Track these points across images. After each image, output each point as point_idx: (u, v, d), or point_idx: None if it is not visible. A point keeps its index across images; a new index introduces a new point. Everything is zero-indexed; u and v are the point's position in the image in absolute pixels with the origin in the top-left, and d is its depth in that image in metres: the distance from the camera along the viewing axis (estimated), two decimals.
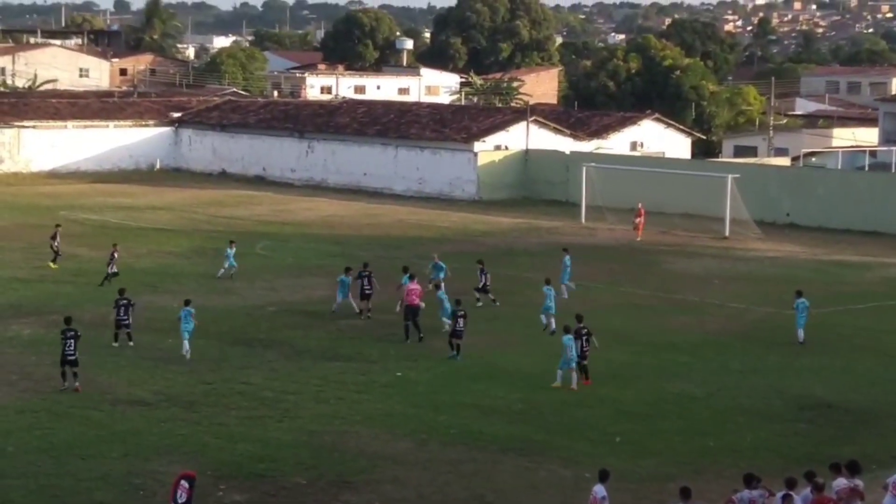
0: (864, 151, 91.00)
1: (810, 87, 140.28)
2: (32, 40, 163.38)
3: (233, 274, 48.74)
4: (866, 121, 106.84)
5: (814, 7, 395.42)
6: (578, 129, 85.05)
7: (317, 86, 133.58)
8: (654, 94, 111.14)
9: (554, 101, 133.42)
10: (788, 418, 31.63)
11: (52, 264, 50.30)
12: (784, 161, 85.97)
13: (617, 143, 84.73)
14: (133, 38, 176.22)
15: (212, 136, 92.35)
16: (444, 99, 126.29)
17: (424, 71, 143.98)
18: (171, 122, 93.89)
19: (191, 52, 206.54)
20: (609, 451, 28.41)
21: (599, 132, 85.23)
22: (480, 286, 44.58)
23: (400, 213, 71.12)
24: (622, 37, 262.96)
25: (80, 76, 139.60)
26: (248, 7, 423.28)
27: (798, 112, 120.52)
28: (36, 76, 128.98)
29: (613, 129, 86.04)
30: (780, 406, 32.68)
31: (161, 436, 28.99)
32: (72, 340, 32.53)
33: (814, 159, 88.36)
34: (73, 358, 32.45)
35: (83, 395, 32.00)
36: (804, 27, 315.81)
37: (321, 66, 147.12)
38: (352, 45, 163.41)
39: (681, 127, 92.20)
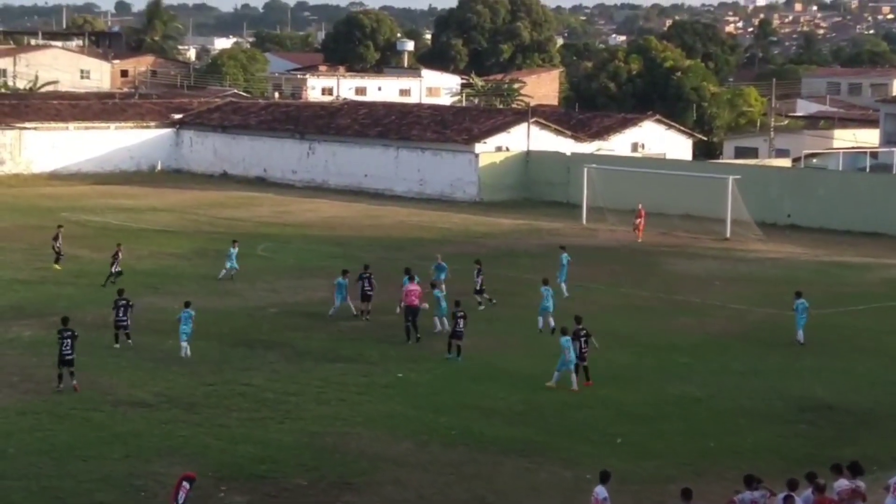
0: (865, 153, 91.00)
1: (811, 89, 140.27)
2: (33, 42, 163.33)
3: (233, 276, 48.76)
4: (867, 122, 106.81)
5: (815, 8, 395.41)
6: (579, 130, 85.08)
7: (318, 87, 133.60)
8: (654, 96, 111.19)
9: (555, 102, 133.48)
10: (789, 419, 31.64)
11: (56, 266, 50.29)
12: (785, 162, 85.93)
13: (618, 144, 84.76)
14: (134, 40, 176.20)
15: (213, 138, 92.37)
16: (445, 100, 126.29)
17: (425, 72, 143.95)
18: (173, 124, 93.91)
19: (192, 54, 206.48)
20: (610, 453, 28.41)
21: (600, 133, 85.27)
22: (477, 288, 44.64)
23: (401, 215, 71.13)
24: (623, 38, 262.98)
25: (82, 78, 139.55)
26: (248, 8, 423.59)
27: (799, 113, 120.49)
28: (37, 78, 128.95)
29: (614, 130, 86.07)
30: (781, 407, 32.68)
31: (162, 437, 29.00)
32: (68, 340, 32.58)
33: (815, 160, 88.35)
34: (69, 358, 32.50)
35: (84, 397, 32.02)
36: (805, 28, 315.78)
37: (322, 68, 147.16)
38: (353, 46, 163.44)
39: (682, 128, 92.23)
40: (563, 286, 46.16)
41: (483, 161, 78.94)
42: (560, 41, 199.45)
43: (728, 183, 64.42)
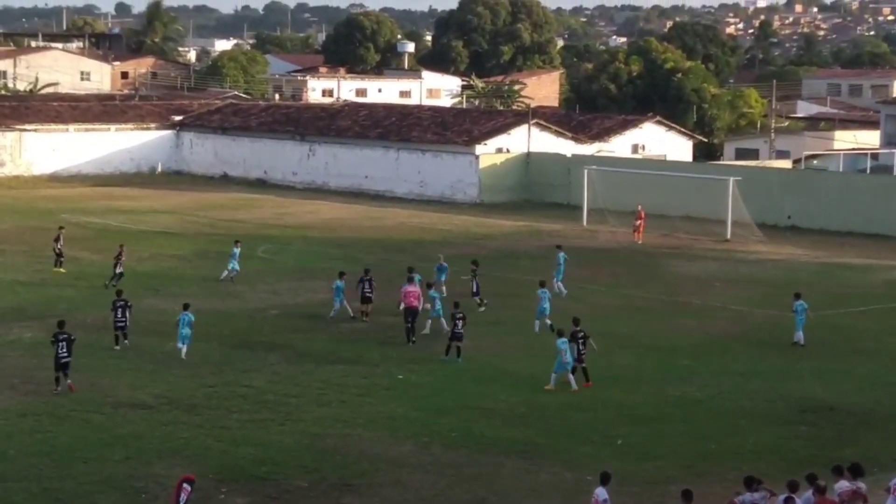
0: (866, 154, 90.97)
1: (812, 90, 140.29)
2: (34, 44, 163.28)
3: (233, 278, 48.73)
4: (868, 123, 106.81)
5: (815, 10, 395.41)
6: (580, 131, 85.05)
7: (318, 89, 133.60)
8: (655, 97, 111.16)
9: (555, 103, 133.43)
10: (790, 421, 31.63)
11: (60, 269, 50.18)
12: (785, 163, 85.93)
13: (618, 145, 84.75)
14: (134, 42, 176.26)
15: (213, 140, 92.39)
16: (446, 102, 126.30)
17: (426, 74, 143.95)
18: (173, 126, 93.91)
19: (192, 56, 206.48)
20: (611, 454, 28.42)
21: (601, 135, 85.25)
22: (474, 290, 44.70)
23: (401, 216, 71.13)
24: (623, 39, 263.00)
25: (82, 79, 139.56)
26: (249, 10, 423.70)
27: (799, 114, 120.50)
28: (37, 79, 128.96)
29: (615, 131, 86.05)
30: (782, 409, 32.67)
31: (163, 439, 29.00)
32: (64, 343, 32.58)
33: (815, 162, 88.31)
34: (66, 361, 32.51)
35: (85, 399, 32.02)
36: (805, 30, 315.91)
37: (322, 69, 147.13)
38: (353, 48, 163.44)
39: (682, 129, 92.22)
40: (561, 285, 46.29)
41: (483, 163, 78.94)
42: (560, 43, 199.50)
43: (728, 184, 64.42)
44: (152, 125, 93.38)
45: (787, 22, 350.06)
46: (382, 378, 34.97)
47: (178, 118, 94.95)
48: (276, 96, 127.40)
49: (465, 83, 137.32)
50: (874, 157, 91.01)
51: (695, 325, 43.14)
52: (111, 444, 28.56)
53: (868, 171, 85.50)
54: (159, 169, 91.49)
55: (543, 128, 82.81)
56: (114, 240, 55.02)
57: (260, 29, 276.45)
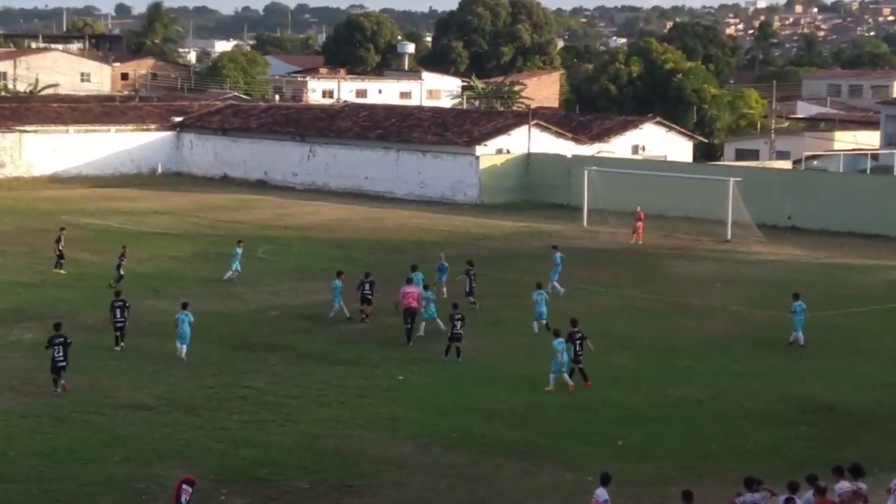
0: (866, 154, 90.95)
1: (812, 91, 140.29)
2: (34, 45, 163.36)
3: (233, 279, 48.72)
4: (868, 124, 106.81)
5: (815, 10, 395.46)
6: (580, 132, 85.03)
7: (318, 90, 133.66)
8: (655, 98, 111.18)
9: (555, 104, 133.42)
10: (790, 421, 31.63)
11: (61, 270, 50.18)
12: (786, 164, 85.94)
13: (618, 146, 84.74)
14: (134, 43, 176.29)
15: (213, 141, 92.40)
16: (446, 103, 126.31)
17: (426, 75, 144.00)
18: (173, 127, 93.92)
19: (192, 57, 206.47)
20: (611, 455, 28.40)
21: (601, 136, 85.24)
22: (467, 290, 44.72)
23: (402, 217, 71.12)
24: (624, 40, 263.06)
25: (82, 80, 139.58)
26: (249, 11, 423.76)
27: (799, 115, 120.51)
28: (37, 81, 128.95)
29: (615, 132, 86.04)
30: (783, 409, 32.67)
31: (163, 440, 29.01)
32: (60, 347, 32.57)
33: (815, 162, 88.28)
34: (62, 364, 32.52)
35: (85, 400, 32.03)
36: (805, 30, 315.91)
37: (323, 70, 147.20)
38: (353, 48, 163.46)
39: (682, 130, 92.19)
40: (558, 285, 46.33)
41: (484, 163, 78.94)
42: (561, 43, 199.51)
43: (729, 185, 64.41)
44: (152, 126, 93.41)
45: (787, 22, 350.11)
46: (382, 379, 34.97)
47: (178, 119, 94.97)
48: (277, 97, 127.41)
49: (465, 84, 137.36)
50: (874, 157, 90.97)
51: (695, 325, 43.14)
52: (111, 446, 28.57)
53: (868, 172, 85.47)
54: (159, 170, 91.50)
55: (544, 128, 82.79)
56: (114, 241, 55.12)
57: (260, 30, 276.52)
